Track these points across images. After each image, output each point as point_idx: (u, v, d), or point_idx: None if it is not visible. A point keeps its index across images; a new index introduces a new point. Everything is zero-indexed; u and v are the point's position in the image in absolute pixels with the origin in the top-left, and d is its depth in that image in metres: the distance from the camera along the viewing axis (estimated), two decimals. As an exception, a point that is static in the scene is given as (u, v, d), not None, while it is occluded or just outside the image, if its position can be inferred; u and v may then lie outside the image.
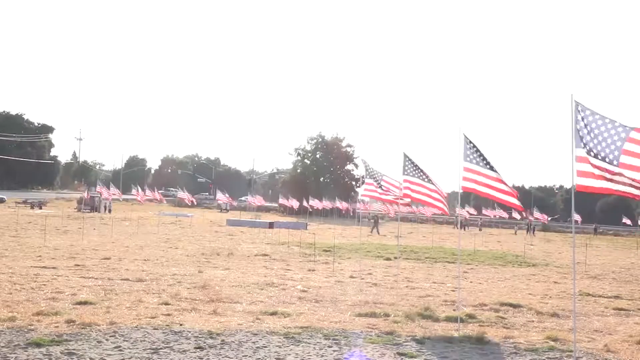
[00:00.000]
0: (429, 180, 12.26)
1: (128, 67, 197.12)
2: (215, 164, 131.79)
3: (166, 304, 10.77)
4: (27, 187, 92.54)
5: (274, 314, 10.24)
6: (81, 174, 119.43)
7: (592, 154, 7.13)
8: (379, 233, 41.01)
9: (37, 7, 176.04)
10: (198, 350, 7.73)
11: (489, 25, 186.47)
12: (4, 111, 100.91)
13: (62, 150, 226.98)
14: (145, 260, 18.06)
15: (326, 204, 64.78)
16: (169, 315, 9.79)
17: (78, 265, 16.01)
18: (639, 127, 6.86)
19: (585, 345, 8.95)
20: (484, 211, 68.55)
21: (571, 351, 8.23)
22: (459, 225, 41.85)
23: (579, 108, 7.38)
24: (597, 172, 7.14)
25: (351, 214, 68.02)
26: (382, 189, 15.62)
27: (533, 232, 53.63)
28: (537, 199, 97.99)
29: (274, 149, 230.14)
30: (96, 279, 13.58)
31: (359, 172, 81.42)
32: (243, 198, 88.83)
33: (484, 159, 9.62)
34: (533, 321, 10.85)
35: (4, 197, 59.12)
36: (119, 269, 15.50)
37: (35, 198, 60.55)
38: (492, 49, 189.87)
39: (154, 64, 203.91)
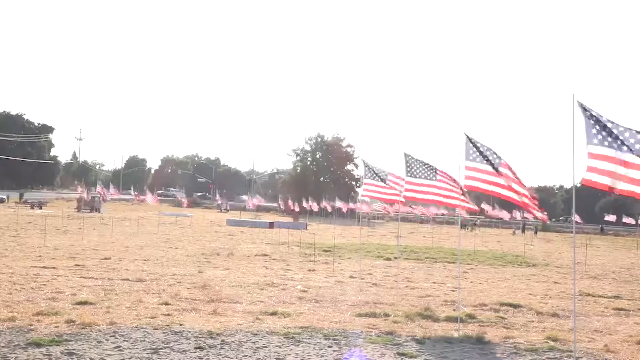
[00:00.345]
0: (435, 177, 12.01)
1: (128, 67, 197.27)
2: (215, 164, 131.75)
3: (166, 304, 10.77)
4: (27, 187, 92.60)
5: (274, 314, 10.24)
6: (81, 174, 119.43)
7: (614, 146, 7.08)
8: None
9: (37, 7, 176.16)
10: (198, 350, 7.73)
11: (489, 25, 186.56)
12: (4, 111, 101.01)
13: (62, 150, 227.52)
14: (145, 260, 18.06)
15: (321, 204, 64.52)
16: (169, 315, 9.79)
17: (78, 265, 16.01)
18: None
19: (585, 345, 8.94)
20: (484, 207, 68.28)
21: (571, 351, 8.23)
22: (459, 225, 41.74)
23: (585, 107, 7.35)
24: (608, 166, 7.11)
25: (350, 214, 68.00)
26: (386, 185, 15.43)
27: (535, 233, 53.51)
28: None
29: (274, 149, 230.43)
30: (96, 279, 13.58)
31: (359, 172, 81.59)
32: (243, 197, 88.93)
33: (486, 157, 9.55)
34: (533, 321, 10.85)
35: (4, 197, 59.15)
36: (119, 269, 15.50)
37: (35, 198, 60.56)
38: (492, 49, 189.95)
39: (154, 64, 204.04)
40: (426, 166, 12.10)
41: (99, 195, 58.52)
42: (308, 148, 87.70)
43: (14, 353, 7.17)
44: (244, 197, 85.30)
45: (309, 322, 9.71)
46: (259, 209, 75.48)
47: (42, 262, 16.22)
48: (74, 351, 7.38)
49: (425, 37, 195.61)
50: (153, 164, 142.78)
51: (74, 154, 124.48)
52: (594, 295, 14.86)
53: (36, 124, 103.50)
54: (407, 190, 12.72)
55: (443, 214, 71.37)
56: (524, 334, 9.56)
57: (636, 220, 65.79)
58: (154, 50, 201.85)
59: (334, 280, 15.44)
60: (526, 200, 9.48)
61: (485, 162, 9.60)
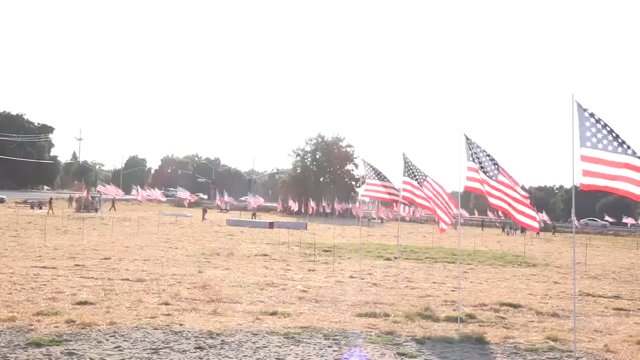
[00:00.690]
0: (423, 181, 12.15)
1: (128, 67, 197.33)
2: (215, 164, 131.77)
3: (166, 304, 10.77)
4: (27, 187, 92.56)
5: (274, 314, 10.23)
6: (81, 174, 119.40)
7: (599, 146, 7.09)
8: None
9: (37, 7, 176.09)
10: (198, 350, 7.73)
11: (489, 25, 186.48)
12: (4, 111, 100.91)
13: (62, 150, 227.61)
14: (145, 260, 18.05)
15: (319, 205, 64.51)
16: (169, 315, 9.79)
17: (78, 265, 16.00)
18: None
19: (585, 345, 8.94)
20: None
21: (571, 351, 8.23)
22: (458, 225, 41.79)
23: (582, 108, 7.36)
24: (603, 169, 7.11)
25: (350, 214, 68.03)
26: (387, 184, 15.42)
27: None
28: (537, 199, 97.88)
29: (274, 149, 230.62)
30: (96, 279, 13.57)
31: (359, 172, 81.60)
32: (243, 198, 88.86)
33: (485, 165, 9.56)
34: (533, 321, 10.84)
35: (4, 197, 59.12)
36: (119, 269, 15.50)
37: (35, 198, 60.54)
38: (492, 48, 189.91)
39: (154, 64, 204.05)
40: (419, 171, 12.24)
41: (99, 195, 58.45)
42: (308, 148, 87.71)
43: (14, 353, 7.17)
44: (243, 198, 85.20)
45: (309, 322, 9.71)
46: (259, 209, 75.47)
47: (42, 262, 16.21)
48: (74, 351, 7.38)
49: (425, 37, 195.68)
50: (153, 164, 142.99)
51: (74, 154, 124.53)
52: (594, 295, 14.86)
53: (36, 124, 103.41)
54: (404, 190, 12.78)
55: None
56: (524, 334, 9.56)
57: (636, 220, 65.89)
58: (154, 51, 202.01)
59: (334, 280, 15.44)
60: (522, 217, 9.34)
61: (481, 168, 9.62)
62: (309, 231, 39.95)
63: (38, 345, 7.56)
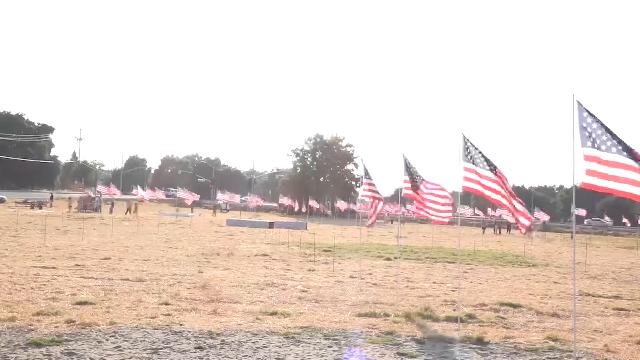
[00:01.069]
0: (421, 183, 12.20)
1: (128, 67, 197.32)
2: (215, 164, 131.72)
3: (166, 304, 10.77)
4: (27, 187, 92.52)
5: (274, 314, 10.23)
6: (81, 174, 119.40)
7: (602, 148, 7.08)
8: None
9: (37, 7, 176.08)
10: (198, 350, 7.73)
11: (488, 24, 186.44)
12: (4, 111, 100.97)
13: (62, 150, 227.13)
14: (145, 260, 18.05)
15: (315, 204, 64.40)
16: (169, 315, 9.79)
17: (78, 265, 16.00)
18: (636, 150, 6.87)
19: (585, 345, 8.94)
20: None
21: (571, 351, 8.22)
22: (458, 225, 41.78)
23: (583, 107, 7.35)
24: (604, 169, 7.10)
25: (350, 214, 67.99)
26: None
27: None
28: (537, 199, 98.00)
29: (274, 149, 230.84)
30: (96, 279, 13.57)
31: (358, 172, 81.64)
32: (243, 198, 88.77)
33: (483, 160, 9.56)
34: (533, 321, 10.84)
35: (4, 197, 59.12)
36: (119, 269, 15.49)
37: (35, 198, 60.55)
38: (492, 48, 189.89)
39: (154, 64, 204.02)
40: (417, 174, 12.27)
41: (100, 195, 58.47)
42: (308, 148, 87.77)
43: (14, 353, 7.17)
44: (244, 198, 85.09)
45: (309, 322, 9.71)
46: (259, 209, 75.48)
47: (42, 262, 16.21)
48: (74, 351, 7.38)
49: (425, 36, 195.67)
50: (153, 164, 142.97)
51: (74, 154, 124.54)
52: (594, 295, 14.86)
53: (36, 124, 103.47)
54: (406, 188, 12.78)
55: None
56: (524, 334, 9.56)
57: (635, 221, 65.91)
58: (154, 51, 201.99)
59: (334, 280, 15.44)
60: (517, 215, 9.34)
61: (475, 164, 9.62)
62: (309, 231, 39.95)
63: (38, 345, 7.56)
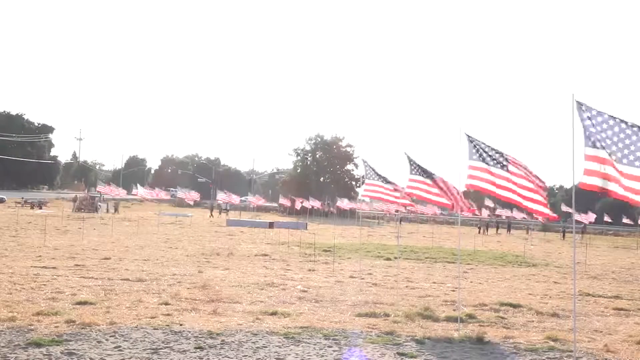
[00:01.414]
0: (431, 177, 12.09)
1: (128, 67, 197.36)
2: (215, 164, 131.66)
3: (166, 304, 10.77)
4: (27, 187, 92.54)
5: (274, 314, 10.24)
6: (81, 174, 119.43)
7: (606, 150, 7.06)
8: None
9: (37, 7, 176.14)
10: (198, 350, 7.73)
11: (489, 24, 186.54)
12: (4, 111, 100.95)
13: (62, 150, 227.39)
14: (145, 260, 18.06)
15: (315, 203, 64.20)
16: (169, 315, 9.79)
17: (78, 265, 16.01)
18: None
19: (585, 345, 8.94)
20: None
21: (571, 351, 8.23)
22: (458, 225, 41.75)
23: (584, 107, 7.33)
24: (607, 170, 7.09)
25: (350, 214, 67.91)
26: (387, 186, 15.29)
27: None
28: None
29: (274, 149, 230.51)
30: (96, 279, 13.58)
31: (359, 172, 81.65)
32: (243, 198, 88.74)
33: (493, 158, 9.48)
34: (533, 321, 10.85)
35: (4, 197, 59.13)
36: (119, 269, 15.50)
37: (35, 198, 60.55)
38: (492, 48, 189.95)
39: (154, 64, 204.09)
40: (424, 170, 12.19)
41: (100, 195, 58.42)
42: (308, 148, 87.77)
43: (14, 353, 7.18)
44: (244, 198, 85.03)
45: (309, 322, 9.72)
46: (259, 209, 75.42)
47: (42, 262, 16.21)
48: (74, 351, 7.38)
49: (426, 36, 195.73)
50: (153, 164, 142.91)
51: (74, 154, 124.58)
52: (594, 295, 14.86)
53: (36, 124, 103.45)
54: (409, 187, 12.74)
55: (442, 214, 71.38)
56: (524, 334, 9.56)
57: (636, 221, 65.83)
58: (154, 51, 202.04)
59: (334, 280, 15.44)
60: (532, 204, 9.23)
61: (485, 163, 9.56)
62: (309, 231, 39.93)
63: (38, 345, 7.56)
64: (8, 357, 7.03)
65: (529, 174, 9.11)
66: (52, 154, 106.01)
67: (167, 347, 7.82)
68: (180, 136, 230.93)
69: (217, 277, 14.81)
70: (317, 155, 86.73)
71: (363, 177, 16.65)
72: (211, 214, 59.35)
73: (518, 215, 55.92)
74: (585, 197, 76.11)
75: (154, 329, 8.79)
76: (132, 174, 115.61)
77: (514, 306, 12.17)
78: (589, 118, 7.25)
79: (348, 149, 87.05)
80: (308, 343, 8.38)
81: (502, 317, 10.99)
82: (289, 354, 7.75)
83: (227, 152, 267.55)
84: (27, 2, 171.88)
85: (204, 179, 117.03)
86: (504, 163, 9.33)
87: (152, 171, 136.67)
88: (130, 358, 7.26)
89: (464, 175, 10.07)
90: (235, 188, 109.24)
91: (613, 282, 18.73)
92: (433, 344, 8.69)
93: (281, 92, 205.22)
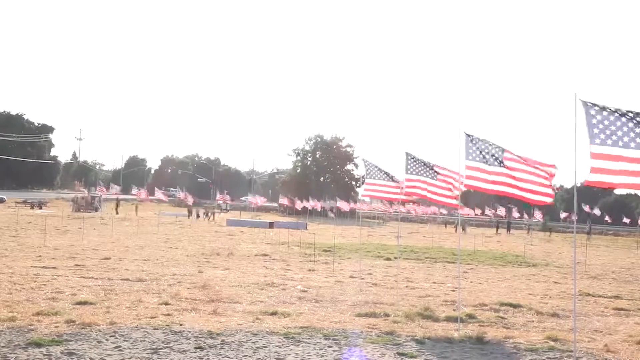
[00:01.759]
0: (435, 177, 12.01)
1: (128, 67, 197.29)
2: (215, 164, 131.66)
3: (166, 304, 10.77)
4: (27, 187, 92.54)
5: (274, 314, 10.23)
6: (81, 174, 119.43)
7: (608, 142, 7.04)
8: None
9: (37, 7, 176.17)
10: (198, 350, 7.73)
11: (489, 24, 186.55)
12: (4, 111, 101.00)
13: (62, 150, 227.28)
14: (145, 260, 18.06)
15: (314, 203, 64.25)
16: (169, 315, 9.79)
17: (78, 265, 16.01)
18: None
19: (585, 345, 8.94)
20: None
21: (571, 351, 8.22)
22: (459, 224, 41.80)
23: (589, 104, 7.30)
24: (610, 164, 7.08)
25: (350, 214, 67.91)
26: (388, 184, 15.13)
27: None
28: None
29: (274, 149, 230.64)
30: (96, 279, 13.58)
31: (359, 172, 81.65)
32: (243, 198, 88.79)
33: (492, 154, 9.45)
34: (533, 321, 10.84)
35: (4, 197, 59.12)
36: (119, 269, 15.50)
37: (35, 198, 60.55)
38: (493, 48, 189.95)
39: (153, 64, 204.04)
40: (427, 166, 12.11)
41: (100, 195, 58.46)
42: (308, 148, 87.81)
43: (14, 353, 7.17)
44: (244, 198, 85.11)
45: (309, 322, 9.71)
46: (259, 209, 75.42)
47: (42, 262, 16.22)
48: (74, 351, 7.38)
49: (426, 35, 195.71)
50: (153, 164, 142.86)
51: (74, 154, 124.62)
52: (594, 295, 14.86)
53: (36, 124, 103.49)
54: (407, 187, 12.72)
55: (442, 214, 71.40)
56: (524, 334, 9.56)
57: (636, 221, 65.85)
58: (154, 50, 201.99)
59: (334, 280, 15.44)
60: (530, 195, 9.13)
61: (482, 162, 9.56)
62: (309, 231, 39.94)
63: (38, 345, 7.56)
64: (8, 357, 7.03)
65: (527, 160, 9.06)
66: (52, 154, 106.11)
67: (167, 347, 7.82)
68: (180, 136, 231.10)
69: (217, 277, 14.81)
70: (317, 156, 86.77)
71: (363, 177, 16.62)
72: (208, 218, 52.41)
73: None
74: (586, 197, 76.29)
75: (154, 329, 8.79)
76: (132, 174, 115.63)
77: (514, 306, 12.17)
78: (594, 115, 7.21)
79: (348, 149, 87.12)
80: (308, 343, 8.38)
81: (502, 317, 10.99)
82: (289, 354, 7.75)
83: (227, 152, 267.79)
84: (27, 2, 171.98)
85: (204, 179, 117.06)
86: (501, 159, 9.32)
87: (152, 171, 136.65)
88: (130, 358, 7.26)
89: (463, 175, 10.08)
90: (235, 188, 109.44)
91: (613, 282, 18.73)
92: (433, 344, 8.69)
93: (281, 93, 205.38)
